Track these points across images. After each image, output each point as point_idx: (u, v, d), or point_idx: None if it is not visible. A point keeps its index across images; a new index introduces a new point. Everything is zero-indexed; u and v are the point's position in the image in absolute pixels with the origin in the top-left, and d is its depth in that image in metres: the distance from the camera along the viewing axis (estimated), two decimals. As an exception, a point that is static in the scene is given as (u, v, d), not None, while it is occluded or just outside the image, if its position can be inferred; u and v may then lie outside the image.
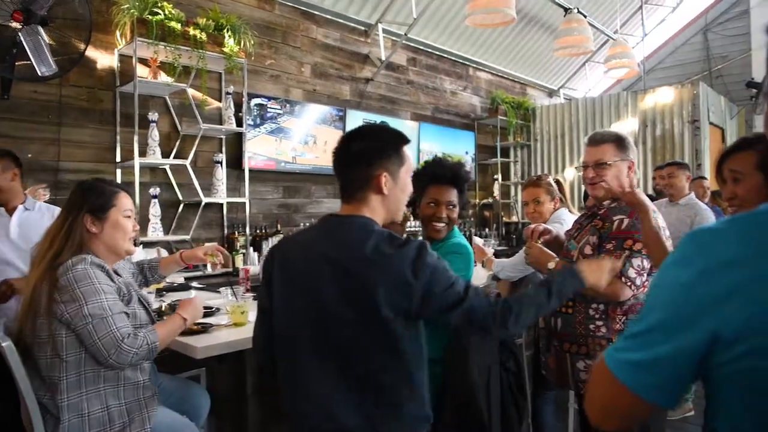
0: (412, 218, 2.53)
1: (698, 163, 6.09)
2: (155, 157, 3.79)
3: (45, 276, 1.75)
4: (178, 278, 3.38)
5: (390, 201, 1.53)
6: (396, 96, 6.04)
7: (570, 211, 3.27)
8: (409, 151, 1.58)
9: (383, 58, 5.66)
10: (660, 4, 8.40)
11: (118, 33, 3.74)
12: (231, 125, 4.24)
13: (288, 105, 4.79)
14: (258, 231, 4.51)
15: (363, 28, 5.63)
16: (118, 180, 3.76)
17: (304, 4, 5.02)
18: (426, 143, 6.14)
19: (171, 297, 2.82)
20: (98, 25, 3.65)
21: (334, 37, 5.35)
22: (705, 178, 4.93)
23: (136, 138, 3.64)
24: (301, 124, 4.91)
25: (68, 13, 3.41)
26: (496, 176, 7.14)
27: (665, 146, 6.40)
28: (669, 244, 1.82)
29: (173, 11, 3.74)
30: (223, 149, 4.38)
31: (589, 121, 6.96)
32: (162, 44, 3.64)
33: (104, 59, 3.78)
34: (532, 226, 2.27)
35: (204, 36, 3.84)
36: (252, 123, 4.49)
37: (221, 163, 4.22)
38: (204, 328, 2.13)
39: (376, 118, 5.60)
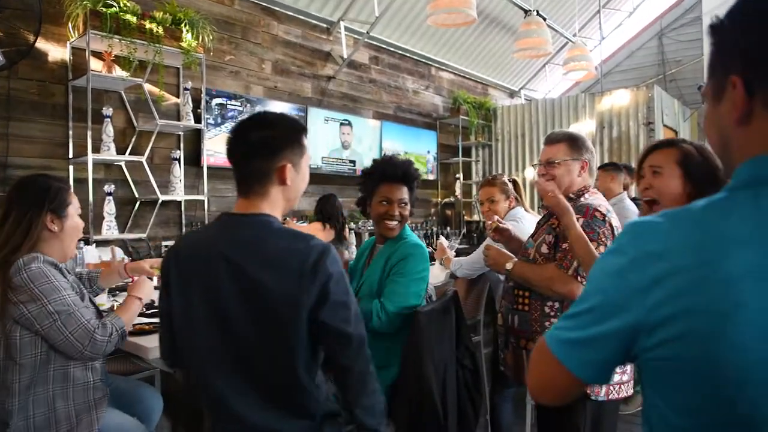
0: (364, 217, 2.56)
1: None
2: (109, 153, 3.68)
3: None
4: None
5: (291, 191, 1.48)
6: (358, 94, 6.03)
7: (526, 210, 3.33)
8: (306, 140, 1.53)
9: (345, 56, 5.64)
10: (617, 9, 8.61)
11: (70, 25, 3.62)
12: (189, 122, 4.16)
13: (249, 104, 4.72)
14: (217, 229, 4.42)
15: (325, 25, 5.60)
16: (71, 176, 3.66)
17: (265, 0, 4.97)
18: (388, 142, 6.15)
19: (123, 297, 2.74)
20: (49, 17, 3.53)
21: (295, 34, 5.31)
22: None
23: (89, 133, 3.53)
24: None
25: (17, 3, 3.30)
26: (457, 175, 7.20)
27: (621, 147, 6.56)
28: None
29: (128, 4, 3.64)
30: (181, 146, 4.29)
31: (549, 122, 7.08)
32: (117, 37, 3.55)
33: (56, 52, 3.65)
34: (495, 217, 2.44)
35: (161, 30, 3.76)
36: (213, 122, 4.42)
37: (179, 160, 4.14)
38: (155, 329, 2.09)
39: (339, 117, 5.59)
